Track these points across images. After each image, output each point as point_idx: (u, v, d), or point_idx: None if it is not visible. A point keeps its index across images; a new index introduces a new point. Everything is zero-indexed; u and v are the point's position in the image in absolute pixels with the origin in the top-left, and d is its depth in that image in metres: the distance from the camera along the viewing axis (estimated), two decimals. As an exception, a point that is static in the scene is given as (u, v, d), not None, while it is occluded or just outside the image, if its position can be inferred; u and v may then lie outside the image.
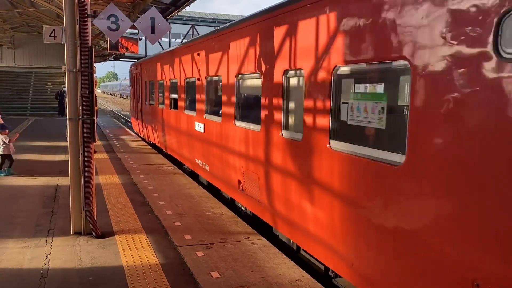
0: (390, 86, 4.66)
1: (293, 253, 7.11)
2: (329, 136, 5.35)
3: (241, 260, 6.42)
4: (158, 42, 34.95)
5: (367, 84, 4.99)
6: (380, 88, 4.81)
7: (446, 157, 3.70)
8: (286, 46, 6.34)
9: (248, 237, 7.38)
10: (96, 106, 13.90)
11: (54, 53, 36.46)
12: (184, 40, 33.59)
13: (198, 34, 36.53)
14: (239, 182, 8.43)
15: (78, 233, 7.42)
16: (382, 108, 4.62)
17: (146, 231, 7.64)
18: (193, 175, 12.59)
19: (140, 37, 22.35)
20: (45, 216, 8.39)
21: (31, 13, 24.62)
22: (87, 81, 7.13)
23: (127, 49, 17.65)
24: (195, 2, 19.65)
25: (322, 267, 6.41)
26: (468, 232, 3.45)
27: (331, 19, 5.19)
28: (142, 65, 18.75)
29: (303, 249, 6.76)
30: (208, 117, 10.05)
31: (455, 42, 3.62)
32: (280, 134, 6.66)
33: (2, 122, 12.44)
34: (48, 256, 6.48)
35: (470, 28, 3.51)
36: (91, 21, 7.12)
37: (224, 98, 8.94)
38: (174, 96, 13.10)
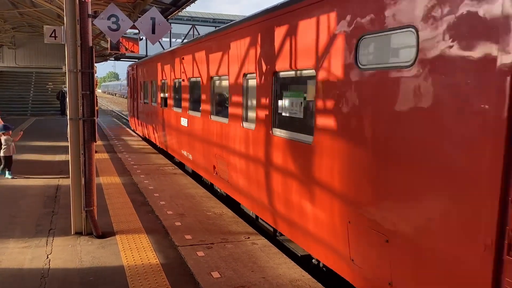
0: (305, 87, 6.36)
1: (253, 222, 8.54)
2: (271, 125, 7.11)
3: (242, 260, 6.42)
4: (159, 42, 34.96)
5: (293, 85, 6.80)
6: (300, 88, 6.56)
7: (334, 139, 5.43)
8: (243, 55, 8.03)
9: (248, 237, 7.38)
10: (97, 106, 14.11)
11: (55, 53, 36.50)
12: (185, 40, 33.70)
13: (199, 34, 36.55)
14: (214, 167, 10.01)
15: (78, 233, 7.43)
16: (301, 103, 6.38)
17: (146, 231, 7.64)
18: (195, 176, 12.59)
19: (141, 37, 22.38)
20: (46, 216, 8.40)
21: (32, 13, 24.65)
22: (88, 81, 7.14)
23: (127, 49, 17.74)
24: (195, 2, 19.65)
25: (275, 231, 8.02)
26: (346, 182, 5.28)
27: (270, 38, 7.01)
28: (137, 67, 20.30)
29: (261, 218, 8.36)
30: (191, 113, 11.62)
31: (337, 58, 5.35)
32: (241, 125, 8.31)
33: (2, 122, 12.40)
34: (48, 256, 6.48)
35: (343, 47, 5.24)
36: (92, 21, 7.12)
37: (203, 96, 10.52)
38: (164, 95, 14.69)
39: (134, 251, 6.72)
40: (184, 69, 12.15)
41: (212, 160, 10.00)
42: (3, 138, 11.64)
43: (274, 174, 7.03)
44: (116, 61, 48.86)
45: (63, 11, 7.08)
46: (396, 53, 4.76)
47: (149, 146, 17.79)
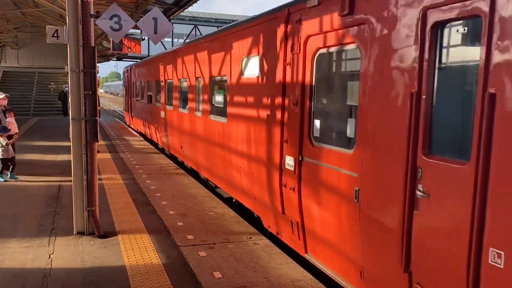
0: (224, 87, 9.45)
1: (205, 183, 11.10)
2: (209, 113, 10.38)
3: (244, 260, 6.43)
4: (161, 42, 34.99)
5: (219, 86, 9.96)
6: (222, 88, 9.76)
7: (235, 119, 8.56)
8: (196, 64, 11.34)
9: (250, 237, 7.39)
10: (99, 106, 14.41)
11: (57, 53, 36.57)
12: (186, 40, 33.84)
13: (201, 34, 36.58)
14: (181, 147, 13.37)
15: (80, 233, 7.45)
16: (222, 97, 9.59)
17: (148, 231, 7.65)
18: (197, 177, 12.59)
19: (143, 37, 22.37)
20: (48, 216, 8.43)
21: (34, 13, 24.70)
22: (90, 81, 7.15)
23: (129, 49, 17.87)
24: (197, 2, 19.67)
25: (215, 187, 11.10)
26: (241, 143, 8.28)
27: (207, 54, 10.30)
28: (130, 70, 24.24)
29: (210, 181, 11.25)
30: (167, 107, 14.87)
31: (234, 70, 8.53)
32: (195, 113, 11.54)
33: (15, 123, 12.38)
34: (50, 256, 6.50)
35: (237, 63, 8.40)
36: (94, 21, 7.13)
37: (175, 94, 13.80)
38: (149, 93, 18.39)
39: (136, 251, 6.73)
40: (162, 73, 15.65)
41: (180, 141, 13.39)
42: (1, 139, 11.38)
43: (211, 145, 10.32)
44: (118, 61, 48.94)
45: (65, 11, 7.09)
46: (252, 68, 7.90)
47: (151, 146, 17.83)
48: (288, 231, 6.77)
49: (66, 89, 30.16)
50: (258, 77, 7.56)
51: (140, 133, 21.95)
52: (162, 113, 15.60)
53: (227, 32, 9.18)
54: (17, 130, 12.25)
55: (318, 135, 5.86)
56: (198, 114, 11.23)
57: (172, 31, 11.33)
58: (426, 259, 4.07)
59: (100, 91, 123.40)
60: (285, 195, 6.63)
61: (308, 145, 5.97)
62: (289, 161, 6.44)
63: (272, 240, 7.49)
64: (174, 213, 8.72)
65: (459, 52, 4.03)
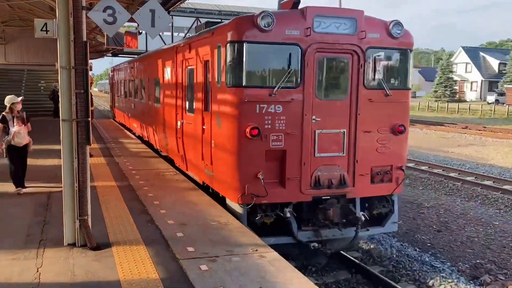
0: (159, 85, 15.53)
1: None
2: (154, 101, 16.24)
3: (249, 275, 6.38)
4: (159, 36, 35.02)
5: (158, 84, 15.77)
6: (158, 85, 15.88)
7: (163, 104, 15.03)
8: (148, 69, 17.66)
9: (256, 250, 7.34)
10: (92, 106, 15.24)
11: (48, 49, 36.66)
12: (187, 35, 33.92)
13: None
14: (140, 125, 20.59)
15: (71, 244, 7.43)
16: (159, 91, 15.67)
17: (145, 242, 7.62)
18: (198, 183, 12.56)
19: (140, 31, 22.38)
20: (37, 225, 8.42)
21: (23, 5, 24.79)
22: (82, 79, 7.13)
23: (122, 45, 18.29)
24: (199, -7, 19.64)
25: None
26: (166, 120, 14.59)
27: (152, 63, 16.66)
28: (113, 70, 32.10)
29: (160, 151, 16.96)
30: (135, 100, 21.24)
31: (158, 74, 16.01)
32: (149, 102, 17.42)
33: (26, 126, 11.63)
34: (39, 269, 6.48)
35: (160, 70, 15.66)
36: (86, 14, 7.11)
37: (138, 90, 20.21)
38: (126, 90, 24.91)
39: (132, 264, 6.69)
40: (131, 75, 22.78)
41: (140, 122, 20.31)
42: None
43: (154, 123, 16.40)
44: (114, 57, 48.92)
45: (55, 3, 7.06)
46: (168, 74, 14.24)
47: (148, 150, 17.88)
48: (181, 161, 12.97)
49: (58, 86, 30.19)
50: (169, 79, 14.08)
51: (121, 124, 28.06)
52: (132, 105, 22.66)
53: (158, 51, 17.19)
54: (25, 141, 11.33)
55: (187, 108, 12.08)
56: (151, 103, 17.22)
57: (172, 24, 11.41)
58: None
59: (94, 89, 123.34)
60: (179, 143, 12.82)
61: (185, 114, 12.23)
62: (179, 124, 12.70)
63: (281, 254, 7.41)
64: (173, 222, 8.69)
65: None
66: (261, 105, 8.92)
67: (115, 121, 31.59)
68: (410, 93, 10.22)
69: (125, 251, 7.22)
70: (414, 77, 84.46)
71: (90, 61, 15.93)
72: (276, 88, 8.90)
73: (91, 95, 11.88)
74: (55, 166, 13.68)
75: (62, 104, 7.16)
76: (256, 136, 8.83)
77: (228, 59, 9.08)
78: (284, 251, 8.25)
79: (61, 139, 7.29)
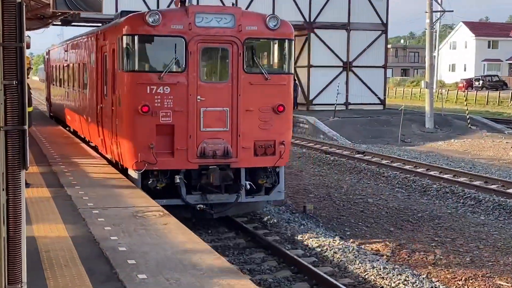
0: (84, 71, 17.15)
1: (87, 142, 16.64)
2: (83, 88, 17.17)
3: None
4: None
5: (85, 69, 17.16)
6: (86, 70, 17.22)
7: (87, 88, 16.35)
8: (76, 54, 19.08)
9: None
10: (30, 105, 11.31)
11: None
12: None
13: None
14: (64, 108, 22.39)
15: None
16: (85, 77, 17.11)
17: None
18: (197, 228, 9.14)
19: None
20: None
21: None
22: (14, 63, 4.88)
23: (77, 6, 12.43)
24: None
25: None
26: (87, 104, 16.71)
27: (78, 48, 18.73)
28: (49, 52, 29.53)
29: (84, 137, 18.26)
30: (69, 88, 20.89)
31: (84, 60, 17.68)
32: (79, 89, 18.20)
33: None
34: None
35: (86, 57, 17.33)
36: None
37: (71, 76, 20.28)
38: (60, 77, 23.97)
39: None
40: (64, 59, 22.12)
41: (74, 113, 19.51)
42: None
43: (84, 112, 16.75)
44: (64, 27, 41.31)
45: None
46: (90, 58, 16.01)
47: (121, 176, 13.03)
48: (102, 145, 14.32)
49: None
50: (92, 65, 15.27)
51: (56, 118, 26.50)
52: (60, 90, 23.38)
53: (84, 35, 17.65)
54: None
55: (105, 93, 13.59)
56: (79, 89, 18.04)
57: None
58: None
59: (34, 78, 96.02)
60: (99, 128, 14.23)
61: (103, 99, 13.80)
62: (98, 108, 14.15)
63: None
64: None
65: None
66: (151, 87, 11.13)
67: (51, 116, 28.28)
68: (291, 77, 12.44)
69: None
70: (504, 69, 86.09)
71: (27, 33, 19.28)
72: (163, 73, 11.13)
73: (29, 88, 9.69)
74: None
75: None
76: (147, 113, 11.02)
77: (124, 48, 11.50)
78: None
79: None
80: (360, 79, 38.54)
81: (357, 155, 23.95)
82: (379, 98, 39.39)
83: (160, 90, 11.02)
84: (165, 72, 11.06)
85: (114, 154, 12.81)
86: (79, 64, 18.04)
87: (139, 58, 11.38)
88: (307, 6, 37.26)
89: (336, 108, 34.12)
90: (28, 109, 6.07)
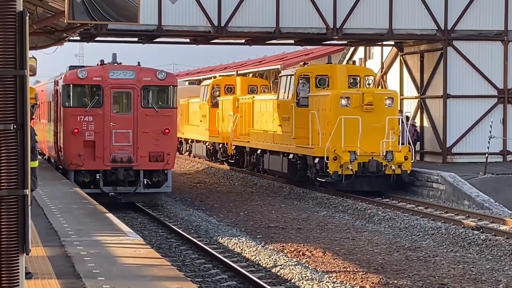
0: (52, 108, 25.43)
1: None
2: (51, 120, 24.63)
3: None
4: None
5: (52, 106, 26.54)
6: (52, 108, 26.92)
7: (52, 122, 24.18)
8: (48, 94, 28.32)
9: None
10: (35, 159, 8.02)
11: None
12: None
13: None
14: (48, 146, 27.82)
15: None
16: (51, 111, 25.51)
17: None
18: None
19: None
20: None
21: None
22: (13, 99, 3.41)
23: (104, 16, 8.17)
24: None
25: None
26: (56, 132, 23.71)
27: (48, 89, 27.08)
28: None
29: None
30: (48, 124, 27.37)
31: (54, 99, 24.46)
32: (50, 122, 25.89)
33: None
34: None
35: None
36: None
37: (48, 113, 27.65)
38: (45, 114, 31.51)
39: None
40: (43, 98, 28.54)
41: (47, 141, 25.56)
42: None
43: (51, 139, 23.40)
44: (85, 44, 29.78)
45: None
46: (57, 98, 22.23)
47: (165, 263, 9.35)
48: (58, 159, 21.76)
49: None
50: (54, 102, 22.39)
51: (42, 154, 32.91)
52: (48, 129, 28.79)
53: (51, 80, 24.93)
54: None
55: (59, 120, 21.66)
56: (50, 122, 24.16)
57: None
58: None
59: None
60: (55, 146, 21.70)
61: (58, 124, 21.17)
62: (56, 132, 21.57)
63: None
64: None
65: None
66: (80, 117, 19.10)
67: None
68: (175, 110, 20.50)
69: None
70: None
71: (32, 53, 16.45)
72: (88, 108, 19.20)
73: (34, 133, 7.75)
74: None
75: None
76: (77, 133, 18.96)
77: (64, 92, 20.02)
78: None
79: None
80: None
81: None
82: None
83: (86, 118, 19.00)
84: (89, 107, 19.22)
85: (63, 163, 20.84)
86: (49, 102, 24.84)
87: (73, 98, 19.66)
88: (442, 8, 26.18)
89: (489, 160, 23.42)
90: (32, 164, 4.83)
